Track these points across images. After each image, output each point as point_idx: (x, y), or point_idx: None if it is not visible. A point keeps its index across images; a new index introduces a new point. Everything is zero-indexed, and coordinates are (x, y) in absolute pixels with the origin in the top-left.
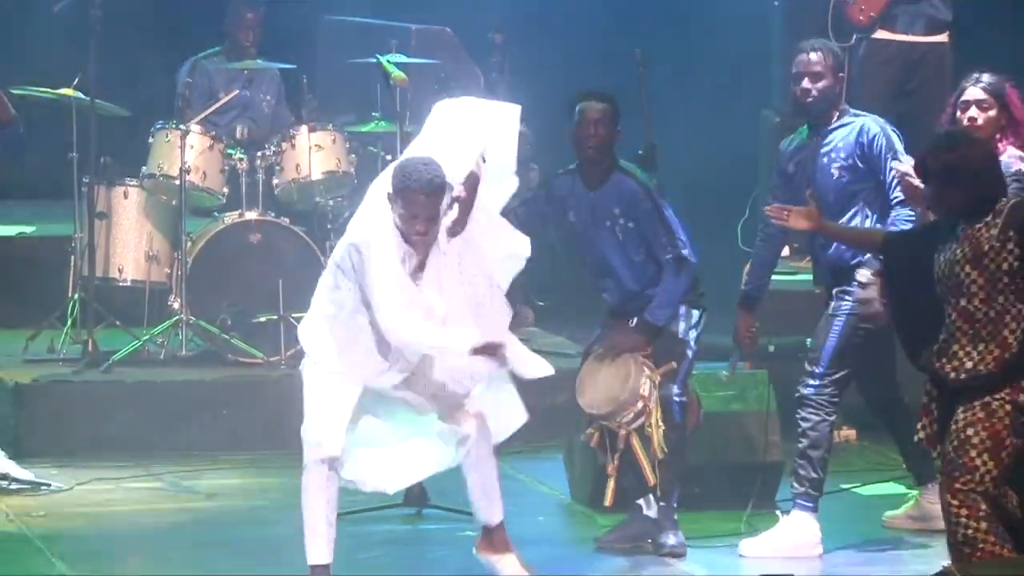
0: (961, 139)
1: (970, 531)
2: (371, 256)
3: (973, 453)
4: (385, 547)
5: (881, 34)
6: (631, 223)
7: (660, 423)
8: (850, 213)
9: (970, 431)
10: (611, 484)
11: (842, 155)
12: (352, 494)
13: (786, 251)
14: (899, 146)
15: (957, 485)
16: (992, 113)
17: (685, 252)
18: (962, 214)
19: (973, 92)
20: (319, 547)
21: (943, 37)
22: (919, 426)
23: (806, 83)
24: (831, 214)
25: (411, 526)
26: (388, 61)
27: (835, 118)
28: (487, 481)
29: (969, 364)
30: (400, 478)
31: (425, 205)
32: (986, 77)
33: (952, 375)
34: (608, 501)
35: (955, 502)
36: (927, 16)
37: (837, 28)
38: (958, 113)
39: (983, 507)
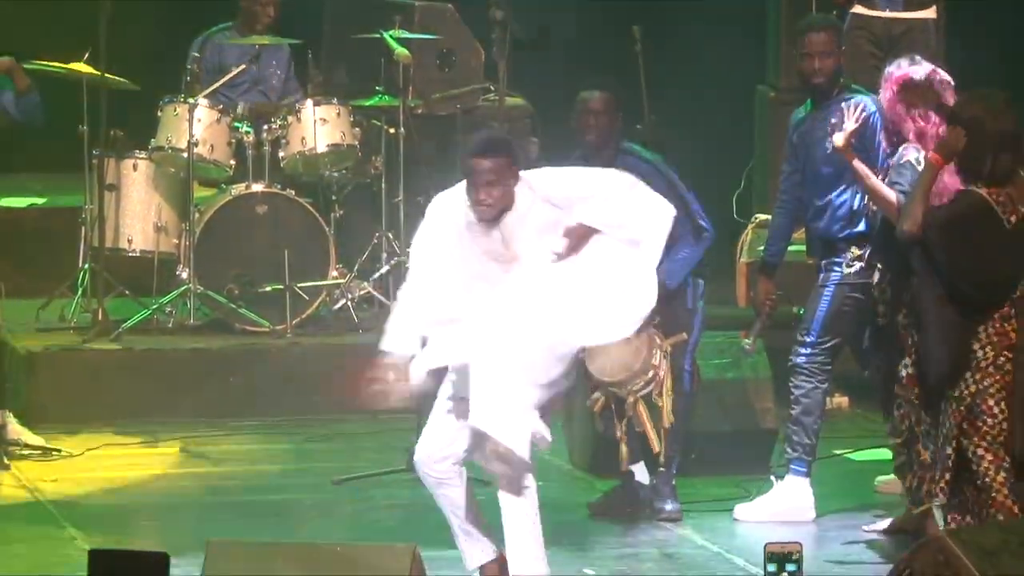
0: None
1: (988, 478)
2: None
3: (991, 402)
4: (389, 511)
5: (859, 9)
6: None
7: (670, 392)
8: (840, 188)
9: (987, 382)
10: (623, 448)
11: (835, 130)
12: (354, 459)
13: None
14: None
15: (984, 429)
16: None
17: (702, 223)
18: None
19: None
20: (466, 552)
21: (929, 13)
22: (902, 364)
23: (815, 63)
24: (824, 186)
25: (414, 491)
26: (391, 37)
27: (836, 93)
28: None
29: None
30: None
31: (484, 170)
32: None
33: None
34: (624, 465)
35: (983, 444)
36: None
37: (820, 3)
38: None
39: (1004, 457)
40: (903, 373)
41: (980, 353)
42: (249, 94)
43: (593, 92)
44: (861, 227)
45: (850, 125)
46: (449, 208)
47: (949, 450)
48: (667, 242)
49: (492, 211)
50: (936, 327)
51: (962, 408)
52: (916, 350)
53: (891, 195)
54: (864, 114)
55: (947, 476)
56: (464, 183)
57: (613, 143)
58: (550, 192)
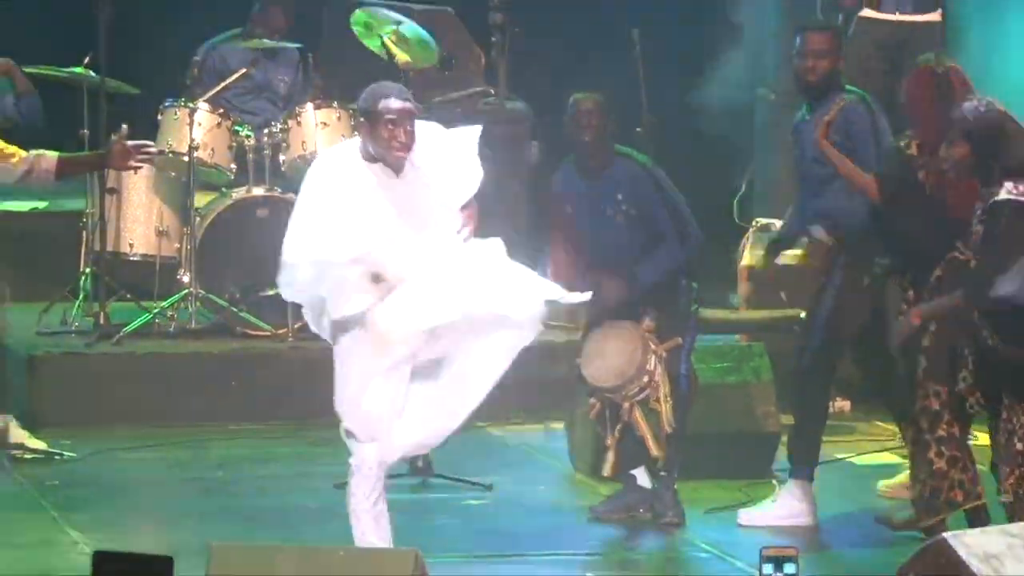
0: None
1: None
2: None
3: None
4: (391, 514)
5: (867, 13)
6: (633, 209)
7: (668, 397)
8: (834, 187)
9: None
10: (610, 455)
11: (830, 130)
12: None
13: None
14: (882, 125)
15: None
16: None
17: (689, 229)
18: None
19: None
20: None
21: (935, 16)
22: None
23: (810, 61)
24: (815, 185)
25: (416, 495)
26: (392, 41)
27: (831, 97)
28: None
29: None
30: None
31: (402, 111)
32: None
33: None
34: (608, 472)
35: None
36: None
37: (825, 7)
38: None
39: None
40: (961, 385)
41: None
42: (255, 100)
43: (586, 93)
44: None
45: (824, 116)
46: (348, 167)
47: (1021, 446)
48: (649, 243)
49: (407, 152)
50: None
51: None
52: (974, 360)
53: (867, 177)
54: (842, 104)
55: (1017, 473)
56: (349, 142)
57: (607, 145)
58: (432, 143)
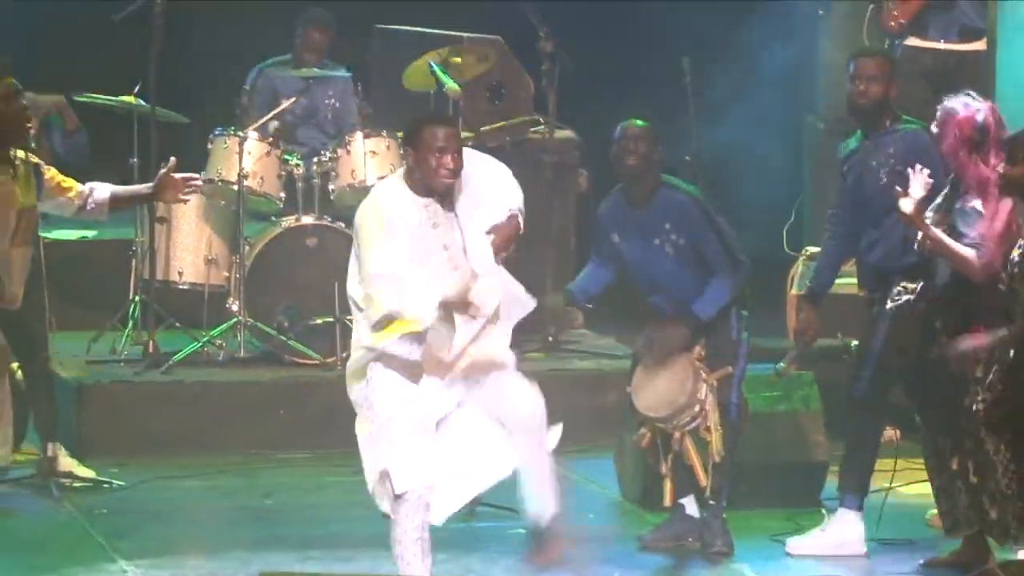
0: None
1: None
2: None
3: None
4: (438, 546)
5: (912, 41)
6: (682, 238)
7: (718, 426)
8: (893, 218)
9: None
10: (668, 484)
11: (891, 161)
12: None
13: None
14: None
15: None
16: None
17: (739, 256)
18: None
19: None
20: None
21: (980, 44)
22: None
23: (861, 86)
24: (874, 218)
25: (464, 524)
26: (442, 70)
27: (888, 124)
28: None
29: None
30: (454, 501)
31: (448, 136)
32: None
33: None
34: (668, 501)
35: None
36: (960, 24)
37: (872, 34)
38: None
39: None
40: (979, 407)
41: None
42: (303, 128)
43: (634, 120)
44: (914, 258)
45: (916, 191)
46: (401, 203)
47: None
48: (703, 275)
49: (455, 178)
50: None
51: None
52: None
53: (967, 253)
54: (928, 181)
55: None
56: (392, 180)
57: (653, 172)
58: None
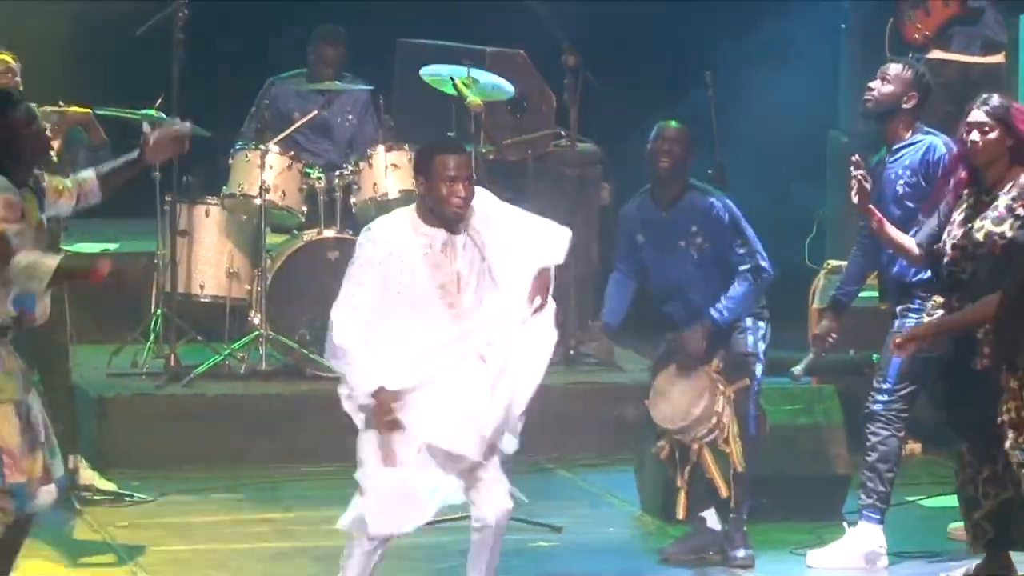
0: None
1: None
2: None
3: None
4: (460, 558)
5: (936, 54)
6: (707, 242)
7: (737, 438)
8: (914, 231)
9: None
10: (682, 497)
11: (908, 172)
12: None
13: None
14: None
15: None
16: (992, 136)
17: (763, 263)
18: None
19: (976, 115)
20: None
21: (1000, 58)
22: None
23: (874, 83)
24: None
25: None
26: (464, 84)
27: (908, 135)
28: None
29: None
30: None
31: (459, 164)
32: (993, 99)
33: None
34: (681, 514)
35: None
36: (983, 37)
37: (894, 47)
38: (964, 135)
39: None
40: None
41: None
42: (319, 141)
43: (670, 121)
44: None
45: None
46: (399, 238)
47: None
48: (723, 281)
49: (466, 207)
50: None
51: None
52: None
53: (908, 242)
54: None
55: None
56: (401, 212)
57: (683, 176)
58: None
